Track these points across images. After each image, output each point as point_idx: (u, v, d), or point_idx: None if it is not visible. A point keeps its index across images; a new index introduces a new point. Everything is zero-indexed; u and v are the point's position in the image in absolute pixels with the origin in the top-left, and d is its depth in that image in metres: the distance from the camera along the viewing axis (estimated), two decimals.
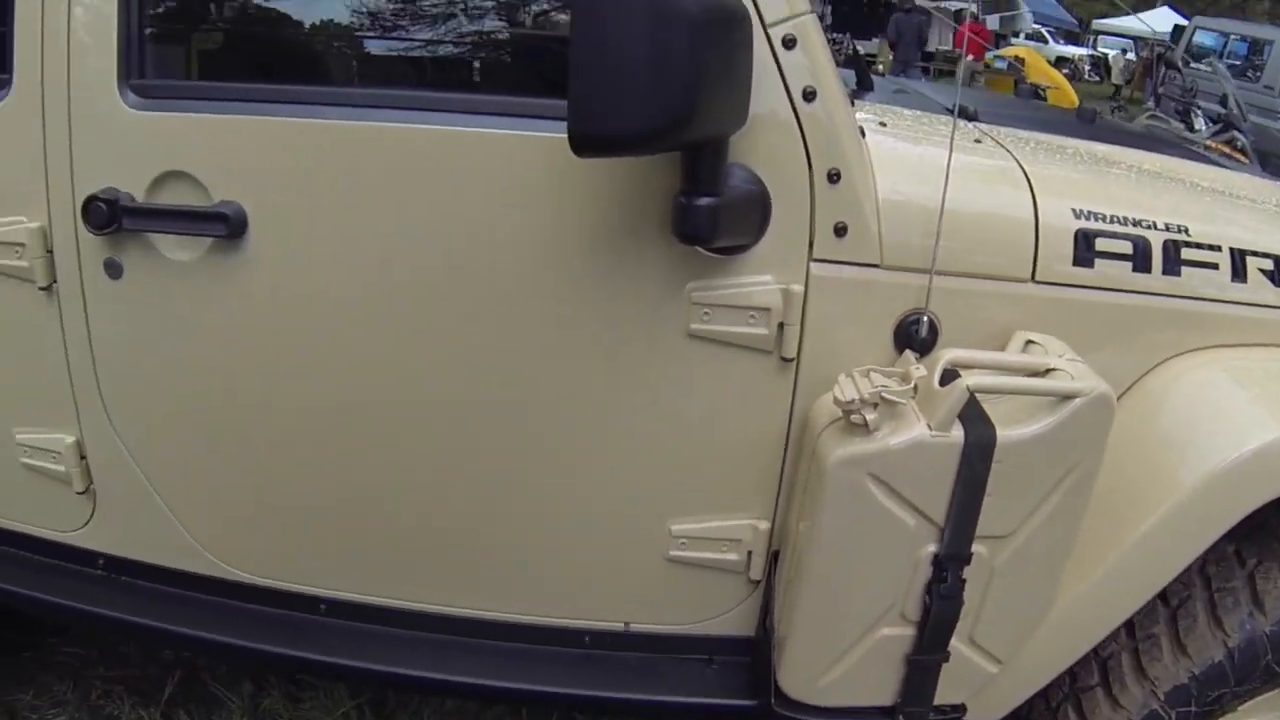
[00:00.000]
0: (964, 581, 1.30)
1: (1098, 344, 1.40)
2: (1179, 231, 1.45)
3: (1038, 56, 16.05)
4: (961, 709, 1.46)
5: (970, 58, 13.48)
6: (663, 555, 1.49)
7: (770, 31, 1.24)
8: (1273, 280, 1.47)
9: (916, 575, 1.30)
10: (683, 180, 1.17)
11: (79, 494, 1.67)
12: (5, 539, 1.80)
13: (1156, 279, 1.42)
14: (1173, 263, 1.43)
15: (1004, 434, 1.21)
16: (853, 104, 1.51)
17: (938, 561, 1.28)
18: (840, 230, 1.31)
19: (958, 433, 1.21)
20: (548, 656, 1.57)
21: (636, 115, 1.02)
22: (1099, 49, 25.17)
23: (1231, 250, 1.46)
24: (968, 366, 1.24)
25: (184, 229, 1.42)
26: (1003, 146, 1.63)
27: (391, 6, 1.52)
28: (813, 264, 1.32)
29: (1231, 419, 1.36)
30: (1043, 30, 24.43)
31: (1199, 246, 1.45)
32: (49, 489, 1.69)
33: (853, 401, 1.19)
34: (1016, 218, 1.39)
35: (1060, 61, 21.90)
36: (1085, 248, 1.39)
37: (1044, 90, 11.79)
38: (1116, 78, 19.13)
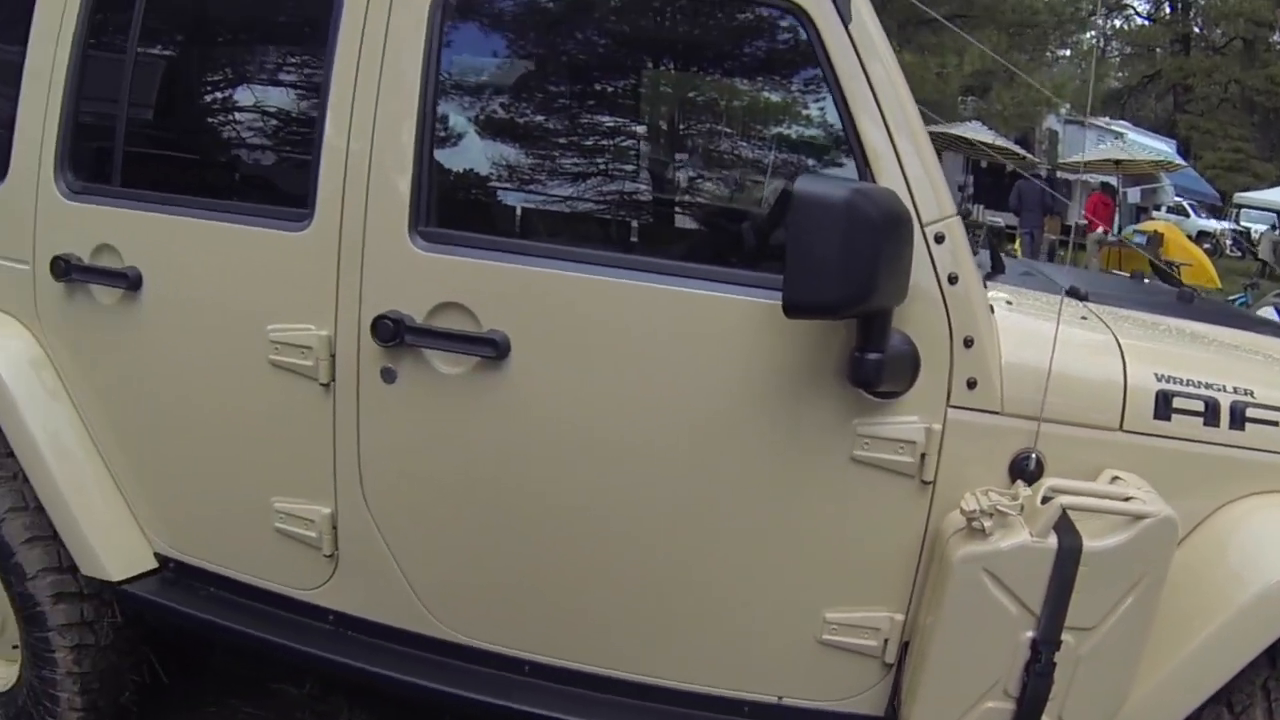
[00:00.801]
0: (1055, 665, 1.79)
1: (1175, 482, 1.90)
2: (1245, 394, 1.97)
3: (1177, 231, 16.70)
4: None
5: (1101, 229, 14.30)
6: (816, 638, 2.01)
7: (925, 229, 1.85)
8: None
9: (1017, 656, 1.80)
10: (858, 339, 1.76)
11: (325, 557, 2.24)
12: (244, 592, 2.38)
13: (1224, 432, 1.94)
14: (1239, 420, 1.95)
15: (1089, 544, 1.73)
16: (986, 285, 2.09)
17: (1034, 644, 1.78)
18: (971, 384, 1.88)
19: (1053, 541, 1.73)
20: None
21: (832, 291, 1.62)
22: (1242, 223, 25.72)
23: None
24: (1063, 492, 1.77)
25: (457, 349, 2.04)
26: (1104, 322, 2.19)
27: (630, 189, 2.16)
28: (949, 409, 1.89)
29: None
30: (1185, 204, 25.11)
31: (1263, 407, 1.96)
32: (294, 552, 2.28)
33: (974, 512, 1.74)
34: (1109, 380, 1.94)
35: (1202, 236, 22.60)
36: (1164, 405, 1.93)
37: (1178, 267, 12.38)
38: (1264, 254, 19.56)
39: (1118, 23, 32.77)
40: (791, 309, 1.66)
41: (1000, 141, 17.90)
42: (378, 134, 2.07)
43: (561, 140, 2.21)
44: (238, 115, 2.52)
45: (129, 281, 2.31)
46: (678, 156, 2.17)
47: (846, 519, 1.95)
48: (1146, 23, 31.95)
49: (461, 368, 2.05)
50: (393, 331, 2.03)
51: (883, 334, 1.75)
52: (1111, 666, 1.82)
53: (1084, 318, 2.23)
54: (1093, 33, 32.20)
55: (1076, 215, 18.48)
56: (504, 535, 2.13)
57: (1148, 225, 17.03)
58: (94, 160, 2.43)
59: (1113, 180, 18.80)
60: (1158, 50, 31.51)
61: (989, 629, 1.79)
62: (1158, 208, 23.31)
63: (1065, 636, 1.79)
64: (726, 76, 2.15)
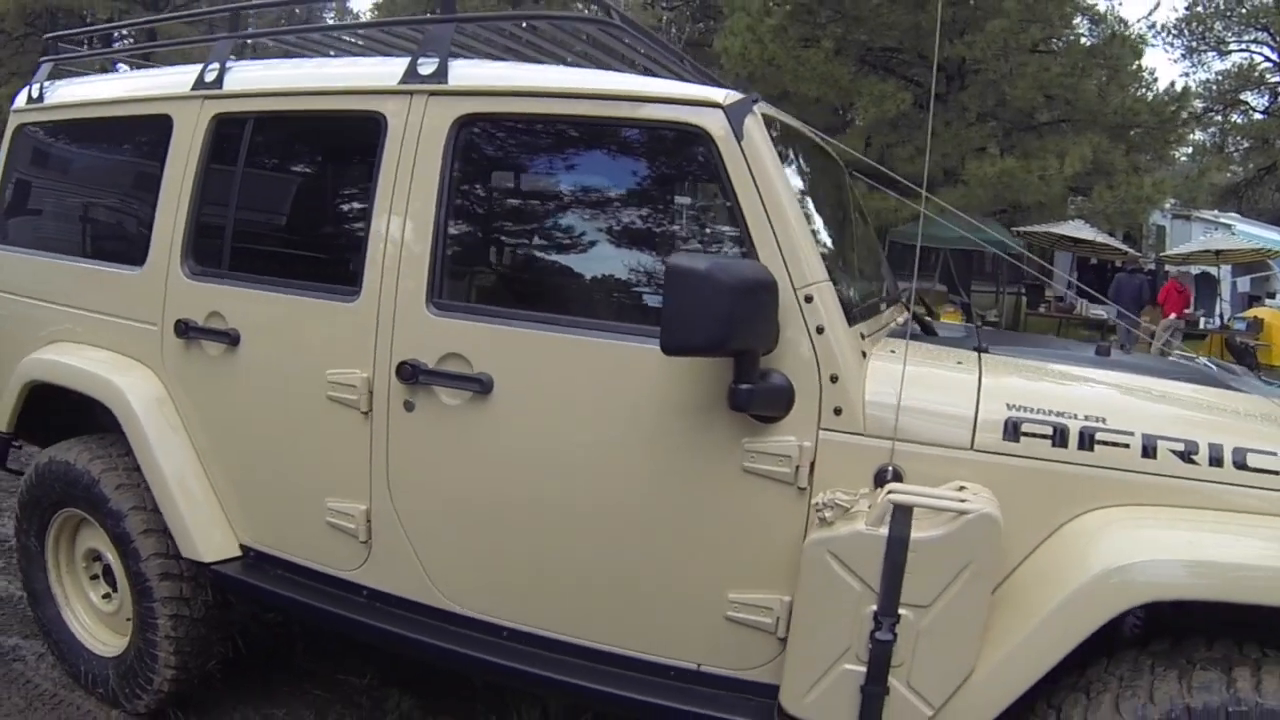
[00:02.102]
0: (896, 635, 2.11)
1: (1028, 494, 2.20)
2: (1097, 421, 2.24)
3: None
4: None
5: (1173, 315, 14.37)
6: (724, 615, 2.41)
7: (797, 292, 2.30)
8: (1181, 458, 2.21)
9: (863, 625, 2.15)
10: (733, 374, 2.22)
11: (361, 543, 2.80)
12: (302, 573, 2.96)
13: (1072, 453, 2.22)
14: (1087, 443, 2.22)
15: (915, 534, 2.09)
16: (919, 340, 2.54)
17: (876, 616, 2.13)
18: (838, 411, 2.30)
19: (884, 530, 2.10)
20: (646, 681, 2.50)
21: (695, 336, 2.09)
22: None
23: (1144, 435, 2.23)
24: (899, 493, 2.13)
25: (456, 385, 2.59)
26: (978, 367, 2.50)
27: (578, 269, 2.69)
28: (820, 431, 2.31)
29: (1113, 550, 2.07)
30: None
31: (1113, 431, 2.23)
32: (340, 540, 2.84)
33: (820, 506, 2.16)
34: (962, 409, 2.30)
35: None
36: (1013, 430, 2.26)
37: (1254, 348, 12.32)
38: None
39: (1236, 119, 32.25)
40: (666, 349, 2.14)
41: (1101, 238, 17.91)
42: (407, 235, 2.68)
43: (528, 237, 2.79)
44: (311, 218, 3.22)
45: (230, 339, 2.98)
46: (613, 241, 2.66)
47: (742, 517, 2.37)
48: (1263, 116, 31.34)
49: (460, 400, 2.60)
50: (411, 373, 2.62)
51: (750, 370, 2.21)
52: (950, 640, 2.11)
53: (959, 362, 2.55)
54: (1213, 129, 31.75)
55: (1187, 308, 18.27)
56: (490, 526, 2.64)
57: (1250, 312, 16.85)
58: (209, 251, 3.13)
59: (1213, 271, 18.54)
60: (1277, 142, 30.81)
61: (838, 602, 2.15)
62: (1271, 295, 22.77)
63: (904, 612, 2.09)
64: (650, 180, 2.66)
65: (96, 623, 3.48)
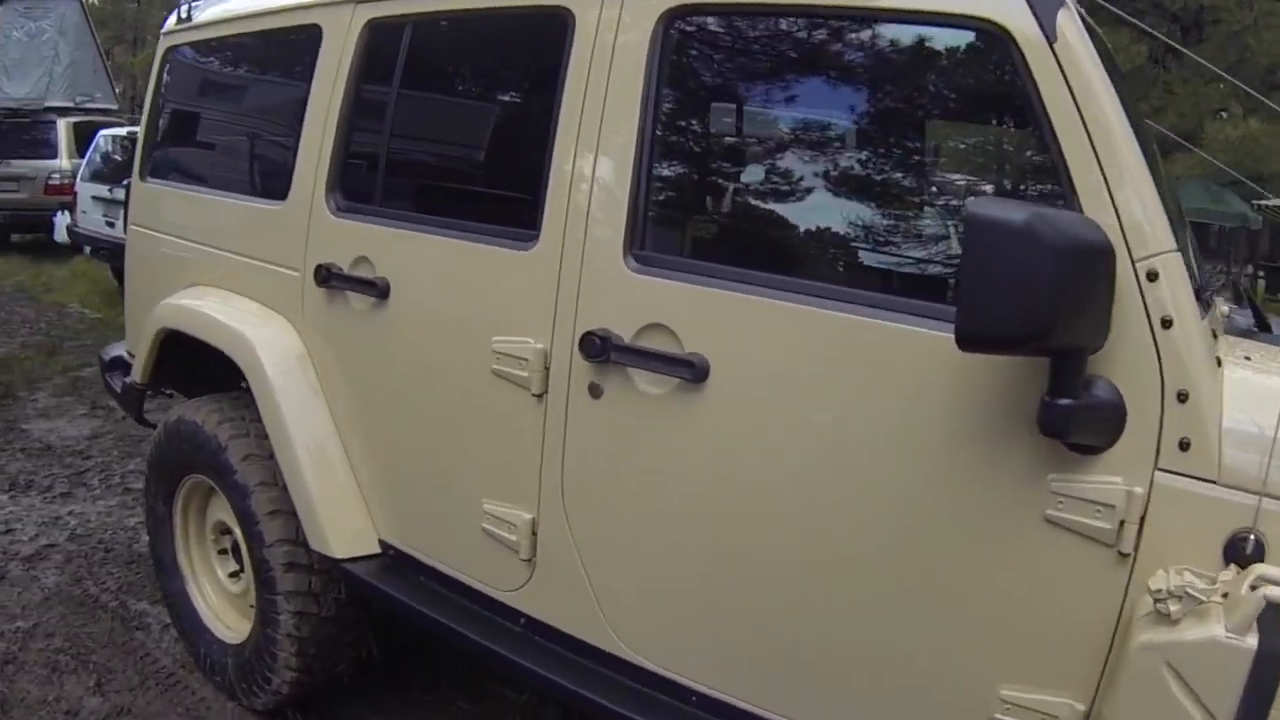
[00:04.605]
0: None
1: None
2: None
3: None
4: None
5: None
6: (986, 716, 1.82)
7: (1136, 265, 1.67)
8: None
9: None
10: (1049, 383, 1.62)
11: (523, 560, 2.34)
12: (449, 585, 2.53)
13: None
14: None
15: None
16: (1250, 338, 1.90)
17: None
18: (1184, 445, 1.67)
19: (1252, 640, 1.48)
20: None
21: (1005, 323, 1.50)
22: None
23: None
24: (1274, 582, 1.50)
25: (658, 369, 2.07)
26: None
27: (835, 219, 2.09)
28: (1157, 472, 1.68)
29: None
30: None
31: None
32: (497, 553, 2.39)
33: (1160, 591, 1.54)
34: None
35: None
36: None
37: None
38: None
39: None
40: (963, 341, 1.55)
41: None
42: (599, 166, 2.18)
43: (770, 172, 2.21)
44: (480, 145, 2.76)
45: (379, 290, 2.56)
46: (876, 182, 2.08)
47: (1031, 585, 1.78)
48: None
49: (663, 389, 2.08)
50: (600, 348, 2.11)
51: (1074, 377, 1.60)
52: None
53: None
54: None
55: None
56: (692, 561, 2.13)
57: None
58: (358, 183, 2.73)
59: None
60: None
61: None
62: None
63: None
64: (927, 98, 2.03)
65: (223, 602, 3.23)
